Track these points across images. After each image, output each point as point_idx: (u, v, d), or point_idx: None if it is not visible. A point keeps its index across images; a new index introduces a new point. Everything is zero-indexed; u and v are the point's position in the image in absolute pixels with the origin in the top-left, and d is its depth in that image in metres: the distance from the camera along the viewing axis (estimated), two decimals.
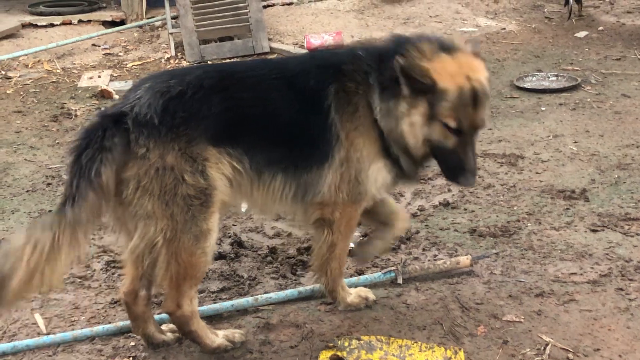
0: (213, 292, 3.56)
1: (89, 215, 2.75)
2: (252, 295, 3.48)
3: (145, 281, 3.05)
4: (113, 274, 3.74)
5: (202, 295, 3.53)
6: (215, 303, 3.44)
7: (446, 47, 2.94)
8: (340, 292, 3.34)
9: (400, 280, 3.54)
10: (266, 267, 3.76)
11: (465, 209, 4.27)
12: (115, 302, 3.48)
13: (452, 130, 2.87)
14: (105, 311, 3.46)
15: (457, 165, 2.92)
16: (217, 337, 3.10)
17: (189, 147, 2.79)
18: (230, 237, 4.02)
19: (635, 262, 3.60)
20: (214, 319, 3.33)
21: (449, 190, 4.49)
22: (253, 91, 2.95)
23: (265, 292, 3.52)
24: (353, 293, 3.38)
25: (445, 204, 4.33)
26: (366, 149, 2.99)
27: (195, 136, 2.80)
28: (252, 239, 4.04)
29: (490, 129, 5.42)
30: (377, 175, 3.03)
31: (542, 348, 3.03)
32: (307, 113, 2.96)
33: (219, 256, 3.84)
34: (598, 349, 3.01)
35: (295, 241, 3.98)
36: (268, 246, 3.93)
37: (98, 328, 3.27)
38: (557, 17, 8.64)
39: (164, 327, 3.22)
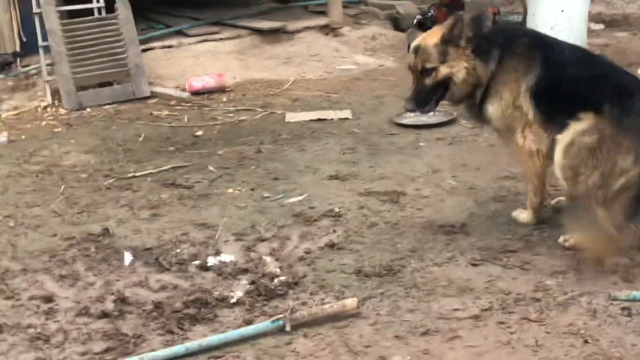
0: (96, 354, 3.44)
1: None
2: (137, 354, 3.39)
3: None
4: None
5: (85, 357, 3.42)
6: None
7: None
8: None
9: (288, 328, 3.54)
10: (152, 323, 3.67)
11: (350, 250, 4.31)
12: None
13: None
14: None
15: None
16: None
17: None
18: (113, 293, 3.92)
19: (514, 294, 3.72)
20: None
21: (334, 231, 4.53)
22: None
23: (152, 350, 3.44)
24: None
25: (331, 245, 4.36)
26: None
27: None
28: (137, 294, 3.94)
29: (372, 167, 5.52)
30: None
31: None
32: None
33: (102, 315, 3.73)
34: None
35: (182, 294, 3.91)
36: (153, 301, 3.84)
37: None
38: None
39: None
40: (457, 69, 4.25)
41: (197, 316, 3.71)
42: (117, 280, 4.09)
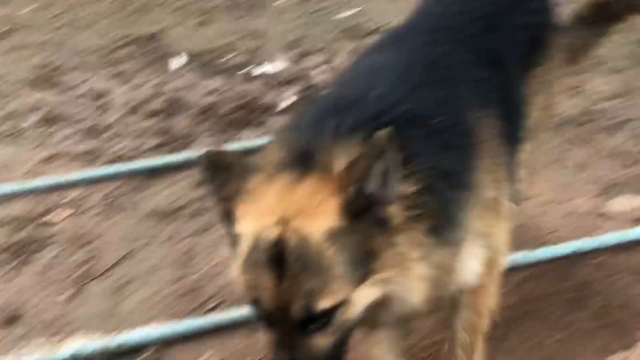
0: (148, 149, 3.55)
1: None
2: (186, 151, 3.49)
3: None
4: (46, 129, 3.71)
5: (137, 151, 3.53)
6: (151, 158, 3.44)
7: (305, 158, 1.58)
8: None
9: None
10: (201, 125, 3.74)
11: None
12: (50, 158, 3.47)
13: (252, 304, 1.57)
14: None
15: None
16: None
17: None
18: (163, 94, 3.99)
19: (564, 115, 3.68)
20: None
21: None
22: None
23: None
24: None
25: None
26: None
27: None
28: (186, 97, 3.99)
29: None
30: None
31: None
32: None
33: (153, 113, 3.82)
34: None
35: (230, 99, 3.95)
36: (202, 104, 3.90)
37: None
38: None
39: None
40: (407, 281, 1.62)
41: (245, 120, 3.77)
42: (167, 83, 4.14)
